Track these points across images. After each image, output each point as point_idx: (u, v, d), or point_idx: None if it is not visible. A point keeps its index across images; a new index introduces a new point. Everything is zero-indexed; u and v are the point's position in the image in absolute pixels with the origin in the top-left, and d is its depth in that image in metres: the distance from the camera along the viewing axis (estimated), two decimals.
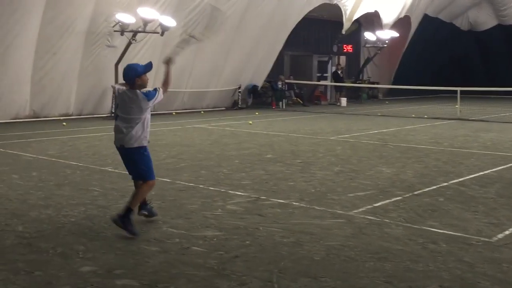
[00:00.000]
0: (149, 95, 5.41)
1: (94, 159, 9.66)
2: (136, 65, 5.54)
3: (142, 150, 5.48)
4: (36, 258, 4.60)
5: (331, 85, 26.72)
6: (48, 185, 7.43)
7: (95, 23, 16.26)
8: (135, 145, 5.41)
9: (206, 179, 7.91)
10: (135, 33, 16.24)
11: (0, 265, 4.42)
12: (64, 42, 15.90)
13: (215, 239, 5.11)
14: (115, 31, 16.28)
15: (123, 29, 15.98)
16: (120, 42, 16.72)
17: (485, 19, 32.95)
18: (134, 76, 5.38)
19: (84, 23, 16.00)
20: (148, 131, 5.57)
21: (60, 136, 12.73)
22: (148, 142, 5.61)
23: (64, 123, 15.14)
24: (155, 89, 5.48)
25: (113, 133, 5.60)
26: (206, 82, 20.42)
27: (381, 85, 28.13)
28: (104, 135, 12.81)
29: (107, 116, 17.83)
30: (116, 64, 16.72)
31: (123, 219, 5.19)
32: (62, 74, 16.30)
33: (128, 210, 5.25)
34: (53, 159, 9.60)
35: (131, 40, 16.30)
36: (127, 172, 5.73)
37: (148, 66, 5.48)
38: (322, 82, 26.26)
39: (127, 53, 16.63)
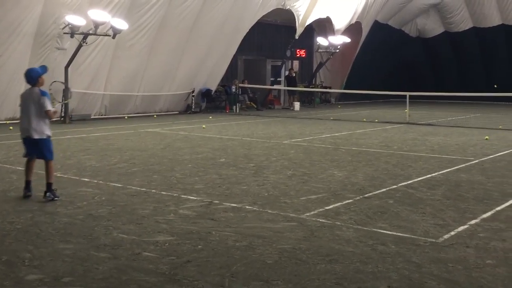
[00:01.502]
0: (45, 93, 6.95)
1: (42, 164, 9.38)
2: (36, 68, 7.11)
3: (47, 139, 6.96)
4: None
5: (284, 90, 26.94)
6: None
7: (44, 24, 15.86)
8: (43, 136, 6.90)
9: (158, 183, 7.83)
10: (85, 35, 15.94)
11: None
12: (11, 43, 15.44)
13: (167, 244, 5.05)
14: (64, 33, 15.92)
15: (73, 31, 15.65)
16: (71, 44, 16.37)
17: (433, 26, 34.01)
18: (37, 76, 6.87)
19: (32, 25, 15.58)
20: (47, 122, 6.96)
21: (6, 140, 12.33)
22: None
23: (11, 127, 14.67)
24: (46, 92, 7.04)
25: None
26: (159, 85, 20.23)
27: (334, 90, 28.56)
28: (53, 140, 12.44)
29: (56, 120, 17.40)
30: (66, 67, 16.36)
31: (52, 192, 6.71)
32: (9, 77, 15.80)
33: (50, 184, 6.76)
34: None
35: (81, 42, 15.98)
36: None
37: (45, 68, 7.03)
38: (275, 87, 26.45)
39: (77, 55, 16.29)
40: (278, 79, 27.16)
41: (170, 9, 18.38)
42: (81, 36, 15.94)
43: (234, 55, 23.13)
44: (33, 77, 6.88)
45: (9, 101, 16.26)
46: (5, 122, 16.03)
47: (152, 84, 19.84)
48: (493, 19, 31.58)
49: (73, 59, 16.24)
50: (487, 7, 31.10)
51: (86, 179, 8.05)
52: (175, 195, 7.10)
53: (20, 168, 8.92)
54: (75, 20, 15.54)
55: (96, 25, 15.78)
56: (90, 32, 15.90)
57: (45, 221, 5.80)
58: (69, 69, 16.43)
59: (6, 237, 5.24)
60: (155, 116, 20.06)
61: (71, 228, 5.55)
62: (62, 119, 17.01)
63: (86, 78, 17.63)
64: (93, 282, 4.14)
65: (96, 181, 7.95)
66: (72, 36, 15.80)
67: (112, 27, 16.18)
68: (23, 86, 16.18)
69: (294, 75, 25.95)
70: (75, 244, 5.02)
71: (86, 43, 16.10)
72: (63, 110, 17.04)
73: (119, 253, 4.80)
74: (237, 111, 22.64)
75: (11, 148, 11.23)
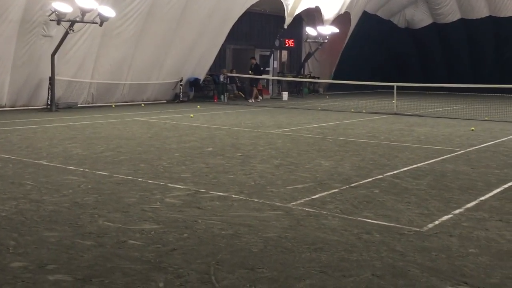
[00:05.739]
0: None
1: (28, 151, 9.34)
2: None
3: None
4: None
5: (273, 79, 26.90)
6: None
7: (29, 11, 15.67)
8: None
9: (145, 172, 7.81)
10: (72, 22, 15.77)
11: None
12: None
13: (152, 232, 5.05)
14: (51, 20, 15.74)
15: (59, 18, 15.48)
16: (57, 31, 16.20)
17: (421, 17, 34.09)
18: None
19: (18, 12, 15.39)
20: None
21: None
22: None
23: None
24: None
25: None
26: (147, 74, 20.12)
27: (322, 80, 28.60)
28: (39, 128, 12.40)
29: (42, 108, 17.28)
30: (53, 55, 16.21)
31: None
32: None
33: None
34: None
35: (68, 30, 15.82)
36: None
37: None
38: (264, 76, 26.41)
39: (64, 43, 16.13)
40: (267, 68, 27.11)
41: None
42: (68, 24, 15.77)
43: (223, 44, 23.04)
44: None
45: None
46: None
47: (139, 72, 19.73)
48: (481, 11, 31.72)
49: (60, 46, 16.08)
50: None
51: (72, 167, 8.01)
52: (161, 183, 7.09)
53: (5, 156, 8.86)
54: (62, 7, 15.37)
55: (83, 12, 15.62)
56: (77, 19, 15.74)
57: (30, 209, 5.77)
58: (56, 56, 16.28)
59: None
60: (142, 104, 19.96)
61: (56, 216, 5.52)
62: (48, 107, 16.88)
63: (73, 66, 17.48)
64: (77, 269, 4.13)
65: (82, 169, 7.91)
66: (58, 23, 15.63)
67: (99, 15, 16.03)
68: (9, 73, 16.14)
69: (256, 62, 24.29)
70: (60, 232, 5.00)
71: (73, 31, 15.94)
72: (49, 98, 16.90)
73: (105, 241, 4.79)
74: (225, 101, 22.59)
75: None
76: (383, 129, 13.81)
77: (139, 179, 7.32)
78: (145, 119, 15.17)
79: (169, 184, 7.04)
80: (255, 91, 23.53)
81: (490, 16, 31.59)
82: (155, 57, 19.83)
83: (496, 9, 31.16)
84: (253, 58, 24.43)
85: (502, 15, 31.02)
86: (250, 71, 23.59)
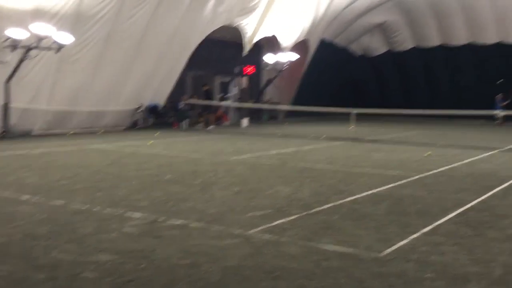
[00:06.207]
0: None
1: None
2: None
3: None
4: None
5: (233, 106, 26.99)
6: None
7: None
8: None
9: (102, 201, 7.65)
10: (28, 49, 15.51)
11: None
12: None
13: (108, 264, 4.93)
14: (5, 47, 15.43)
15: (15, 44, 15.20)
16: (12, 58, 15.89)
17: (377, 45, 35.05)
18: None
19: None
20: None
21: None
22: None
23: None
24: None
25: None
26: (105, 101, 19.88)
27: (281, 106, 28.86)
28: None
29: None
30: (7, 81, 15.85)
31: None
32: None
33: None
34: None
35: (24, 56, 15.53)
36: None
37: None
38: (224, 103, 26.46)
39: (19, 69, 15.82)
40: (227, 95, 27.21)
41: (117, 24, 18.16)
42: (24, 50, 15.50)
43: (183, 71, 23.05)
44: None
45: None
46: None
47: (97, 99, 19.48)
48: (433, 40, 32.86)
49: (15, 73, 15.77)
50: (427, 28, 32.34)
51: (25, 197, 7.78)
52: (119, 212, 6.95)
53: None
54: (17, 33, 15.12)
55: (39, 38, 15.40)
56: (33, 46, 15.49)
57: None
58: (11, 82, 15.93)
59: None
60: (101, 132, 19.68)
61: (7, 248, 5.33)
62: (3, 134, 16.43)
63: (28, 93, 17.12)
64: None
65: (36, 198, 7.69)
66: (12, 50, 15.34)
67: (55, 41, 15.83)
68: None
69: (208, 89, 24.12)
70: (12, 265, 4.82)
71: (29, 57, 15.67)
72: (4, 125, 16.46)
73: (58, 273, 4.64)
74: (185, 128, 22.50)
75: None
76: (341, 155, 13.98)
77: (96, 209, 7.16)
78: (103, 146, 14.93)
79: (127, 213, 6.91)
80: (210, 117, 23.50)
81: (441, 45, 32.72)
82: (114, 84, 19.65)
83: (447, 38, 32.31)
84: (205, 84, 24.56)
85: (453, 44, 32.18)
86: (194, 96, 23.59)
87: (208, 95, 23.82)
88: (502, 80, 26.55)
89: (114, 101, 20.27)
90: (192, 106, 23.98)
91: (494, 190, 9.00)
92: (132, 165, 11.38)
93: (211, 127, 23.03)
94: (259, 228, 6.26)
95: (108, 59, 18.74)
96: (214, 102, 23.70)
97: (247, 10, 23.51)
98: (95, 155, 12.99)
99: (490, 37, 30.88)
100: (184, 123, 22.74)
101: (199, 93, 25.25)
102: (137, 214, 6.87)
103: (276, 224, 6.48)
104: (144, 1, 18.33)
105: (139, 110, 21.42)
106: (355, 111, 19.77)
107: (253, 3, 23.37)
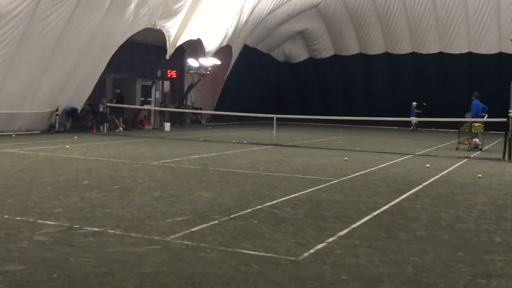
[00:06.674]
0: None
1: None
2: None
3: None
4: None
5: (154, 110, 26.63)
6: None
7: None
8: None
9: (12, 208, 7.27)
10: None
11: None
12: None
13: (17, 274, 4.68)
14: None
15: None
16: None
17: (298, 52, 35.80)
18: None
19: None
20: None
21: None
22: None
23: None
24: None
25: None
26: (18, 103, 18.98)
27: (204, 111, 28.81)
28: None
29: None
30: None
31: None
32: None
33: None
34: None
35: None
36: None
37: None
38: (145, 107, 26.04)
39: None
40: (149, 99, 26.79)
41: (32, 23, 17.40)
42: None
43: (103, 74, 22.45)
44: None
45: None
46: None
47: (10, 101, 18.56)
48: (352, 48, 34.00)
49: None
50: (347, 37, 33.42)
51: None
52: (30, 220, 6.63)
53: None
54: None
55: None
56: None
57: None
58: None
59: None
60: (13, 135, 18.76)
61: None
62: None
63: None
64: None
65: None
66: None
67: None
68: None
69: (119, 92, 24.13)
70: None
71: None
72: None
73: None
74: (105, 131, 21.91)
75: None
76: (263, 159, 14.12)
77: (5, 216, 6.80)
78: (15, 150, 14.24)
79: (39, 221, 6.61)
80: (119, 120, 23.27)
81: (360, 53, 33.92)
82: (28, 85, 18.80)
83: (366, 47, 33.53)
84: (117, 87, 24.32)
85: (371, 53, 33.45)
86: (113, 100, 23.27)
87: (120, 98, 23.55)
88: (424, 104, 28.61)
89: (28, 104, 19.40)
90: (112, 110, 23.43)
91: (406, 194, 9.41)
92: (47, 170, 10.93)
93: (119, 129, 22.71)
94: (179, 234, 6.19)
95: (22, 60, 17.91)
96: (125, 105, 23.44)
97: (171, 13, 23.29)
98: (6, 160, 12.35)
99: (404, 48, 32.33)
100: (104, 127, 22.13)
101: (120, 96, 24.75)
102: (50, 222, 6.59)
103: (196, 230, 6.43)
104: (61, 0, 17.68)
105: (56, 113, 20.61)
106: (277, 116, 20.05)
107: (176, 6, 23.18)
